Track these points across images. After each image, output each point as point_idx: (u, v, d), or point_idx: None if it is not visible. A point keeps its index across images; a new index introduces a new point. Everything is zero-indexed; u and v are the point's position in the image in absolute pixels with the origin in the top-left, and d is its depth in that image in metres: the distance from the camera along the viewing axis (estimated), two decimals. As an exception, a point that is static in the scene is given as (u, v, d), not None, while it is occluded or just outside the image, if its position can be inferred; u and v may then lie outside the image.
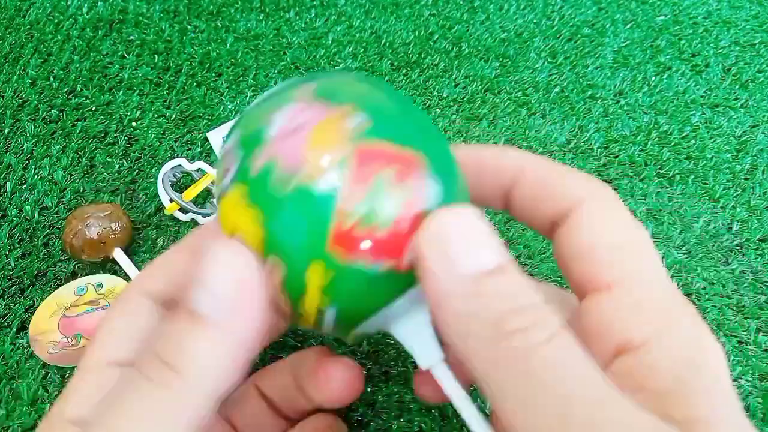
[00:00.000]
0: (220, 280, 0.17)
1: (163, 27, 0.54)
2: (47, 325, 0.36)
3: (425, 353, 0.21)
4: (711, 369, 0.17)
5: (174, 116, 0.47)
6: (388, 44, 0.54)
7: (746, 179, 0.45)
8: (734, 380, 0.35)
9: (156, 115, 0.47)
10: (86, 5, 0.56)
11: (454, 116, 0.48)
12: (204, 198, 0.42)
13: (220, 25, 0.55)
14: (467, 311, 0.16)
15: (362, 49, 0.53)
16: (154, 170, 0.44)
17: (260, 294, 0.17)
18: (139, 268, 0.38)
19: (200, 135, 0.46)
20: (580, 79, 0.52)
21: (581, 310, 0.19)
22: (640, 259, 0.19)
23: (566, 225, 0.20)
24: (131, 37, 0.53)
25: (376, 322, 0.20)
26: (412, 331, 0.21)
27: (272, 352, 0.33)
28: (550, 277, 0.39)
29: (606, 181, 0.44)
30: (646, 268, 0.19)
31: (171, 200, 0.40)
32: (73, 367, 0.34)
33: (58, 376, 0.34)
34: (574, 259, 0.19)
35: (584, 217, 0.20)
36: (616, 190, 0.44)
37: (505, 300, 0.16)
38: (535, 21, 0.57)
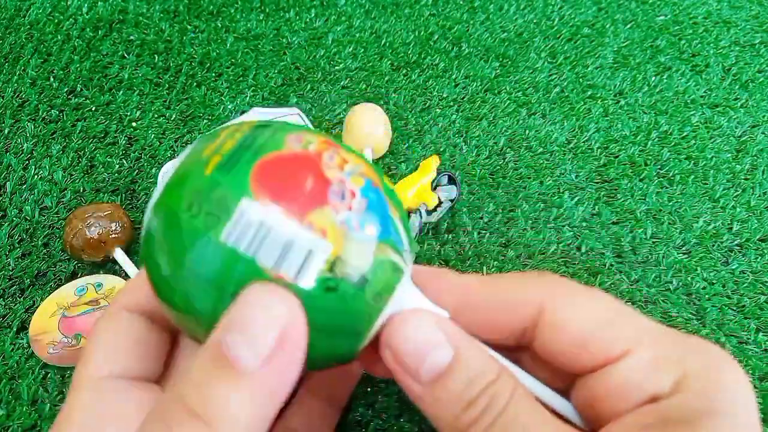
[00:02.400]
0: (262, 328, 0.16)
1: (163, 27, 0.54)
2: (47, 326, 0.36)
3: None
4: (730, 402, 0.18)
5: (174, 116, 0.47)
6: (388, 44, 0.54)
7: (746, 179, 0.45)
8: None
9: (156, 115, 0.47)
10: (86, 5, 0.56)
11: (454, 116, 0.48)
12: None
13: (220, 25, 0.55)
14: (434, 415, 0.19)
15: (362, 49, 0.53)
16: (154, 170, 0.44)
17: (303, 345, 0.17)
18: (140, 268, 0.38)
19: (200, 135, 0.46)
20: (580, 79, 0.52)
21: (594, 379, 0.20)
22: (634, 322, 0.20)
23: (547, 326, 0.20)
24: (131, 37, 0.53)
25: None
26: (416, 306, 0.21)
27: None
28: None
29: (606, 181, 0.45)
30: (642, 327, 0.20)
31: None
32: (74, 367, 0.34)
33: (58, 376, 0.34)
34: (574, 349, 0.20)
35: (564, 313, 0.20)
36: (616, 190, 0.44)
37: (458, 401, 0.18)
38: (535, 21, 0.57)
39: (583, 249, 0.41)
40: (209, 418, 0.15)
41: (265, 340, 0.16)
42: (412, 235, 0.21)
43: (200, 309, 0.18)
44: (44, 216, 0.41)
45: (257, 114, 0.48)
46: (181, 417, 0.16)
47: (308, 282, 0.17)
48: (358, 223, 0.18)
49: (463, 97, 0.50)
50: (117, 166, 0.44)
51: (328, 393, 0.26)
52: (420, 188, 0.39)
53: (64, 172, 0.44)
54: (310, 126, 0.47)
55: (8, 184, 0.43)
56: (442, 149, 0.46)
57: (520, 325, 0.20)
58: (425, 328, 0.18)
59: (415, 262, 0.39)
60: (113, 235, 0.38)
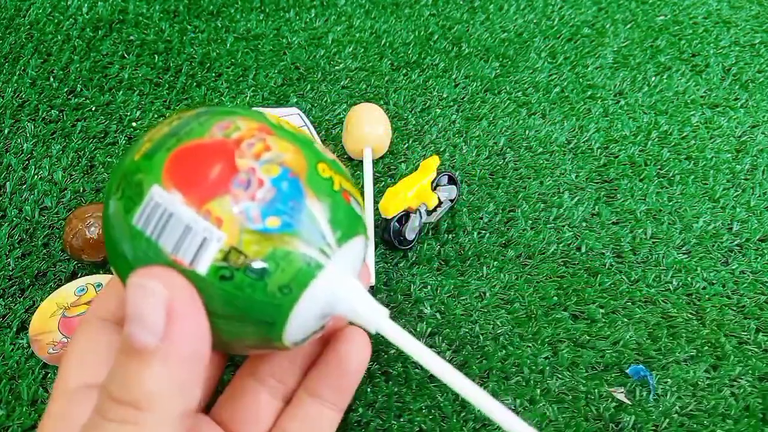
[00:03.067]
0: (149, 309, 0.17)
1: (163, 27, 0.54)
2: (47, 326, 0.36)
3: (372, 316, 0.21)
4: None
5: (174, 116, 0.47)
6: (388, 44, 0.54)
7: (746, 179, 0.45)
8: (734, 380, 0.35)
9: (156, 115, 0.47)
10: (86, 5, 0.56)
11: (454, 116, 0.48)
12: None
13: (220, 25, 0.55)
14: None
15: (362, 49, 0.53)
16: (154, 170, 0.44)
17: (191, 310, 0.18)
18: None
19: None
20: (580, 79, 0.52)
21: None
22: None
23: None
24: (131, 37, 0.53)
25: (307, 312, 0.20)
26: (351, 300, 0.21)
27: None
28: (551, 277, 0.39)
29: (606, 182, 0.45)
30: None
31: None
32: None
33: (57, 375, 0.34)
34: None
35: None
36: (616, 190, 0.44)
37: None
38: (535, 21, 0.57)
39: (583, 249, 0.41)
40: (132, 400, 0.17)
41: (155, 319, 0.17)
42: (359, 229, 0.20)
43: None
44: (44, 216, 0.41)
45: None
46: (110, 407, 0.17)
47: (203, 269, 0.18)
48: (258, 213, 0.18)
49: (463, 97, 0.50)
50: (117, 166, 0.44)
51: (327, 395, 0.25)
52: (420, 188, 0.39)
53: (64, 172, 0.44)
54: (309, 126, 0.47)
55: (8, 184, 0.43)
56: (442, 149, 0.46)
57: None
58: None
59: (416, 261, 0.39)
60: (113, 235, 0.38)
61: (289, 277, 0.19)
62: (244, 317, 0.19)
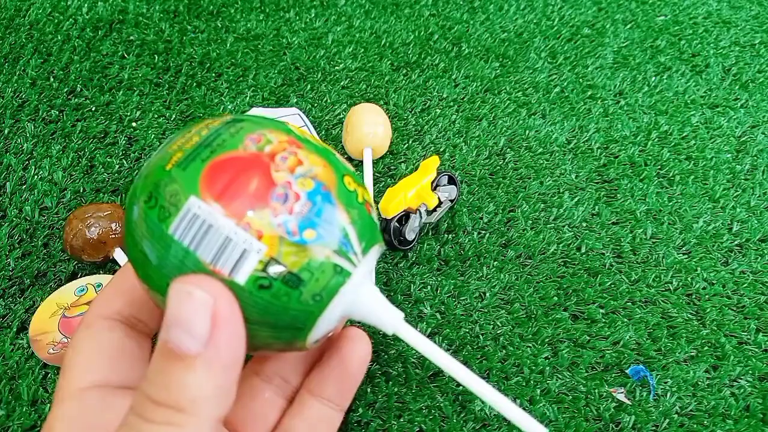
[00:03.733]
0: (194, 316, 0.18)
1: (163, 27, 0.54)
2: (47, 326, 0.36)
3: (389, 318, 0.22)
4: None
5: (174, 116, 0.47)
6: (388, 44, 0.54)
7: (746, 179, 0.45)
8: (734, 380, 0.35)
9: (156, 116, 0.48)
10: (86, 5, 0.56)
11: (454, 116, 0.48)
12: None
13: (220, 25, 0.55)
14: None
15: (362, 50, 0.53)
16: (154, 170, 0.44)
17: (235, 320, 0.18)
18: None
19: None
20: (580, 80, 0.52)
21: None
22: None
23: None
24: (131, 38, 0.53)
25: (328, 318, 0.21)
26: (369, 304, 0.22)
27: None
28: (551, 277, 0.39)
29: (606, 182, 0.45)
30: None
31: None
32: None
33: (58, 377, 0.34)
34: None
35: None
36: (616, 190, 0.44)
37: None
38: (535, 21, 0.57)
39: (583, 249, 0.41)
40: (174, 403, 0.17)
41: (200, 325, 0.17)
42: (378, 238, 0.22)
43: (159, 291, 0.19)
44: (44, 216, 0.41)
45: (257, 114, 0.48)
46: (151, 409, 0.17)
47: (242, 279, 0.19)
48: (296, 226, 0.19)
49: (463, 98, 0.50)
50: (117, 166, 0.44)
51: (329, 395, 0.25)
52: (420, 188, 0.39)
53: (64, 173, 0.44)
54: (309, 126, 0.47)
55: (8, 184, 0.43)
56: (442, 149, 0.46)
57: None
58: None
59: (416, 262, 0.39)
60: (113, 236, 0.38)
61: (322, 286, 0.19)
62: (278, 323, 0.20)
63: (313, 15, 0.57)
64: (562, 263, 0.40)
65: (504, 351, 0.35)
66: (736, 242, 0.41)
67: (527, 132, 0.48)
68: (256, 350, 0.21)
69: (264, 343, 0.21)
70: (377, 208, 0.40)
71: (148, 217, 0.19)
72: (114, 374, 0.21)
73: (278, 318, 0.20)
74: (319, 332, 0.21)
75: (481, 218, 0.42)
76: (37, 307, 0.36)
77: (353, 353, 0.25)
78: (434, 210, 0.41)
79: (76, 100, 0.48)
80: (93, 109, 0.48)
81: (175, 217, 0.19)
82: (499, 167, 0.45)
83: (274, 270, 0.19)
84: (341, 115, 0.48)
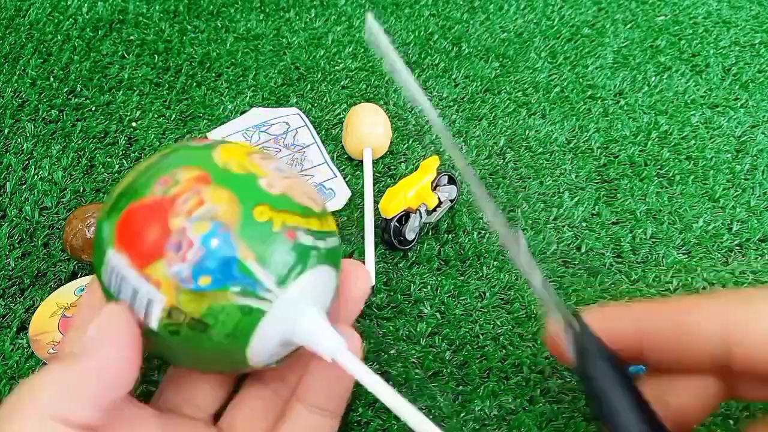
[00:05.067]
0: (86, 329, 0.20)
1: (163, 27, 0.54)
2: (47, 326, 0.36)
3: (328, 345, 0.22)
4: None
5: (174, 116, 0.47)
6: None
7: (746, 179, 0.45)
8: (734, 380, 0.35)
9: (156, 115, 0.48)
10: (86, 5, 0.56)
11: (455, 116, 0.48)
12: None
13: (220, 25, 0.55)
14: None
15: (362, 49, 0.53)
16: (154, 170, 0.44)
17: (120, 334, 0.20)
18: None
19: (200, 135, 0.46)
20: (580, 79, 0.52)
21: None
22: None
23: None
24: (131, 38, 0.53)
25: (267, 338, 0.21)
26: (308, 331, 0.21)
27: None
28: (550, 278, 0.39)
29: (606, 181, 0.45)
30: None
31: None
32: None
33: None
34: None
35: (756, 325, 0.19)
36: (616, 190, 0.44)
37: None
38: (535, 21, 0.57)
39: (583, 249, 0.41)
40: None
41: (89, 334, 0.20)
42: (311, 263, 0.21)
43: None
44: (44, 216, 0.41)
45: (257, 114, 0.48)
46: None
47: (154, 325, 0.20)
48: (189, 274, 0.19)
49: (463, 97, 0.50)
50: (117, 166, 0.44)
51: (318, 402, 0.25)
52: (420, 188, 0.39)
53: (64, 172, 0.44)
54: (309, 126, 0.47)
55: (8, 184, 0.43)
56: (442, 149, 0.46)
57: (709, 347, 0.20)
58: None
59: (416, 261, 0.39)
60: (113, 235, 0.38)
61: (232, 327, 0.20)
62: (205, 359, 0.21)
63: (313, 15, 0.57)
64: (562, 263, 0.40)
65: (504, 351, 0.35)
66: (736, 242, 0.41)
67: (527, 132, 0.48)
68: (206, 373, 0.23)
69: (211, 371, 0.22)
70: (377, 208, 0.40)
71: (95, 262, 0.21)
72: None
73: (202, 355, 0.20)
74: (261, 358, 0.21)
75: (482, 218, 0.42)
76: (37, 307, 0.36)
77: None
78: (434, 210, 0.41)
79: (76, 100, 0.48)
80: (93, 109, 0.48)
81: (102, 267, 0.20)
82: (499, 167, 0.45)
83: (178, 317, 0.19)
84: (341, 115, 0.48)
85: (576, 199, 0.43)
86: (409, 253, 0.40)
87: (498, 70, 0.52)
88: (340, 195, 0.43)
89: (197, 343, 0.20)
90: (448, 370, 0.34)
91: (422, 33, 0.55)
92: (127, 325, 0.20)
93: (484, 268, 0.39)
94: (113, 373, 0.20)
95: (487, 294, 0.38)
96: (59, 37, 0.53)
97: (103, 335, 0.20)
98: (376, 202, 0.41)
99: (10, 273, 0.38)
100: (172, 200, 0.20)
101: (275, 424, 0.25)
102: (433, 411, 0.33)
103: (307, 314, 0.21)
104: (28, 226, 0.41)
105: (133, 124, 0.47)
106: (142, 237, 0.19)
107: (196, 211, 0.19)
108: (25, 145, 0.45)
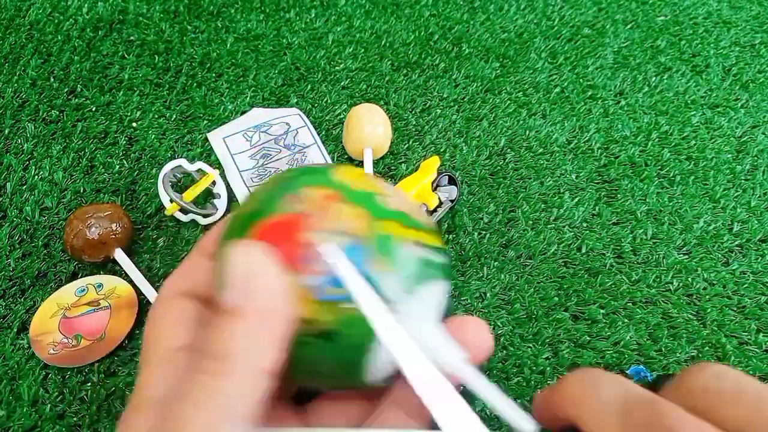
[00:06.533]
0: (235, 275, 0.19)
1: (163, 27, 0.54)
2: (48, 326, 0.36)
3: (452, 357, 0.22)
4: None
5: (174, 117, 0.47)
6: (388, 45, 0.54)
7: (746, 180, 0.45)
8: (735, 381, 0.35)
9: (156, 116, 0.47)
10: (86, 6, 0.56)
11: (455, 116, 0.48)
12: (204, 198, 0.42)
13: (220, 25, 0.55)
14: None
15: (362, 50, 0.53)
16: (154, 171, 0.44)
17: (274, 277, 0.19)
18: (140, 269, 0.38)
19: (200, 135, 0.46)
20: (581, 80, 0.52)
21: None
22: None
23: None
24: (131, 38, 0.53)
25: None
26: (432, 343, 0.22)
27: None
28: (551, 277, 0.39)
29: (606, 182, 0.45)
30: None
31: (171, 201, 0.40)
32: (74, 368, 0.34)
33: (59, 377, 0.34)
34: None
35: None
36: (616, 190, 0.44)
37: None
38: (535, 21, 0.57)
39: (584, 249, 0.40)
40: (215, 352, 0.19)
41: (238, 280, 0.19)
42: (431, 274, 0.22)
43: None
44: (44, 216, 0.41)
45: (257, 114, 0.48)
46: (198, 360, 0.19)
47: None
48: (321, 285, 0.20)
49: (464, 98, 0.50)
50: (117, 166, 0.44)
51: (408, 408, 0.25)
52: (421, 189, 0.39)
53: (65, 173, 0.43)
54: (309, 126, 0.47)
55: (8, 184, 0.43)
56: (442, 150, 0.46)
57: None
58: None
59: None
60: (113, 236, 0.38)
61: (358, 338, 0.20)
62: (325, 373, 0.21)
63: (313, 15, 0.56)
64: (563, 264, 0.40)
65: (505, 351, 0.35)
66: (736, 242, 0.41)
67: (527, 132, 0.48)
68: (318, 388, 0.23)
69: (323, 386, 0.23)
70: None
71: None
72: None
73: (327, 368, 0.21)
74: (378, 373, 0.22)
75: (482, 218, 0.42)
76: (37, 308, 0.36)
77: None
78: (435, 210, 0.41)
79: (76, 100, 0.48)
80: (93, 109, 0.48)
81: None
82: (499, 167, 0.45)
83: (310, 327, 0.20)
84: (341, 116, 0.48)
85: (576, 199, 0.43)
86: (410, 254, 0.40)
87: (498, 71, 0.52)
88: (341, 195, 0.42)
89: (325, 354, 0.21)
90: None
91: (422, 33, 0.55)
92: (275, 271, 0.20)
93: (485, 268, 0.39)
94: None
95: (488, 294, 0.38)
96: (59, 38, 0.53)
97: (253, 280, 0.20)
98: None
99: (11, 273, 0.38)
100: (302, 216, 0.21)
101: (361, 415, 0.25)
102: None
103: (431, 326, 0.22)
104: (28, 227, 0.41)
105: (134, 124, 0.47)
106: (276, 252, 0.20)
107: (325, 226, 0.20)
108: (26, 145, 0.45)
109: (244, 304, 0.19)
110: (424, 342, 0.21)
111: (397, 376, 0.23)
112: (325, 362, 0.21)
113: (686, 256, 0.40)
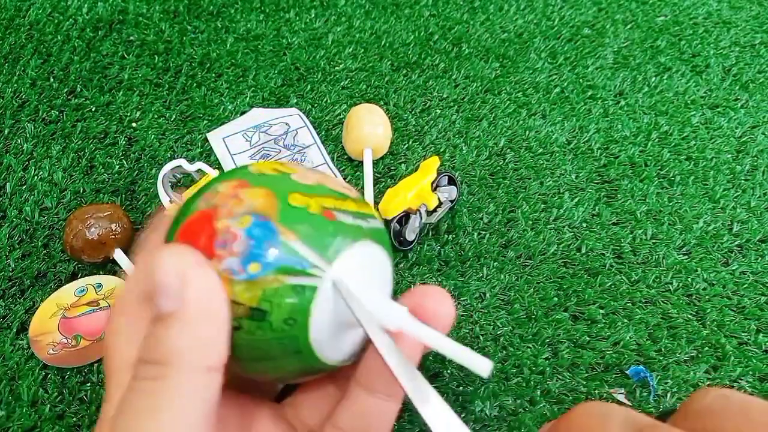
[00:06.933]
0: (166, 282, 0.19)
1: (163, 27, 0.54)
2: (47, 326, 0.36)
3: (392, 315, 0.22)
4: None
5: (174, 117, 0.47)
6: (388, 45, 0.54)
7: (746, 180, 0.45)
8: (734, 381, 0.35)
9: (156, 116, 0.47)
10: (86, 5, 0.56)
11: (455, 117, 0.48)
12: (204, 199, 0.42)
13: (220, 25, 0.55)
14: None
15: (362, 50, 0.53)
16: (154, 171, 0.44)
17: (203, 275, 0.20)
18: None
19: (200, 136, 0.46)
20: (580, 80, 0.52)
21: None
22: None
23: None
24: (131, 38, 0.53)
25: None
26: (368, 304, 0.21)
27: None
28: (551, 278, 0.39)
29: (606, 182, 0.45)
30: None
31: (171, 201, 0.40)
32: (73, 368, 0.34)
33: (58, 377, 0.34)
34: None
35: None
36: (616, 190, 0.44)
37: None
38: (535, 21, 0.57)
39: (584, 250, 0.40)
40: (157, 358, 0.19)
41: (172, 285, 0.19)
42: (354, 234, 0.21)
43: None
44: (44, 217, 0.41)
45: (257, 114, 0.48)
46: (141, 368, 0.19)
47: None
48: (239, 264, 0.20)
49: (463, 98, 0.50)
50: (117, 166, 0.44)
51: (377, 386, 0.24)
52: (420, 189, 0.39)
53: (64, 173, 0.43)
54: (309, 126, 0.47)
55: (8, 184, 0.43)
56: (442, 150, 0.46)
57: None
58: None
59: (416, 262, 0.39)
60: (113, 236, 0.38)
61: (289, 309, 0.20)
62: (271, 355, 0.21)
63: (313, 15, 0.56)
64: (563, 264, 0.40)
65: (504, 351, 0.35)
66: (736, 243, 0.41)
67: (527, 132, 0.48)
68: (285, 381, 0.22)
69: (283, 374, 0.22)
70: (377, 209, 0.40)
71: None
72: None
73: (267, 350, 0.21)
74: (330, 348, 0.22)
75: (482, 219, 0.42)
76: (37, 308, 0.36)
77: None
78: (434, 210, 0.41)
79: (76, 100, 0.48)
80: (93, 109, 0.48)
81: None
82: (499, 168, 0.45)
83: (236, 311, 0.20)
84: (341, 116, 0.48)
85: (576, 199, 0.43)
86: (410, 254, 0.40)
87: (498, 71, 0.52)
88: (341, 195, 0.42)
89: (259, 334, 0.20)
90: (449, 371, 0.34)
91: (422, 33, 0.55)
92: (205, 271, 0.20)
93: (484, 268, 0.39)
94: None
95: (488, 295, 0.38)
96: (59, 38, 0.53)
97: (190, 283, 0.20)
98: (376, 203, 0.41)
99: (10, 274, 0.38)
100: (216, 207, 0.21)
101: (335, 402, 0.25)
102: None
103: (362, 288, 0.21)
104: (28, 227, 0.41)
105: (133, 124, 0.47)
106: (197, 243, 0.20)
107: (236, 211, 0.21)
108: (25, 145, 0.45)
109: (180, 307, 0.19)
110: (360, 302, 0.21)
111: (359, 354, 0.23)
112: (266, 344, 0.21)
113: (686, 257, 0.40)
